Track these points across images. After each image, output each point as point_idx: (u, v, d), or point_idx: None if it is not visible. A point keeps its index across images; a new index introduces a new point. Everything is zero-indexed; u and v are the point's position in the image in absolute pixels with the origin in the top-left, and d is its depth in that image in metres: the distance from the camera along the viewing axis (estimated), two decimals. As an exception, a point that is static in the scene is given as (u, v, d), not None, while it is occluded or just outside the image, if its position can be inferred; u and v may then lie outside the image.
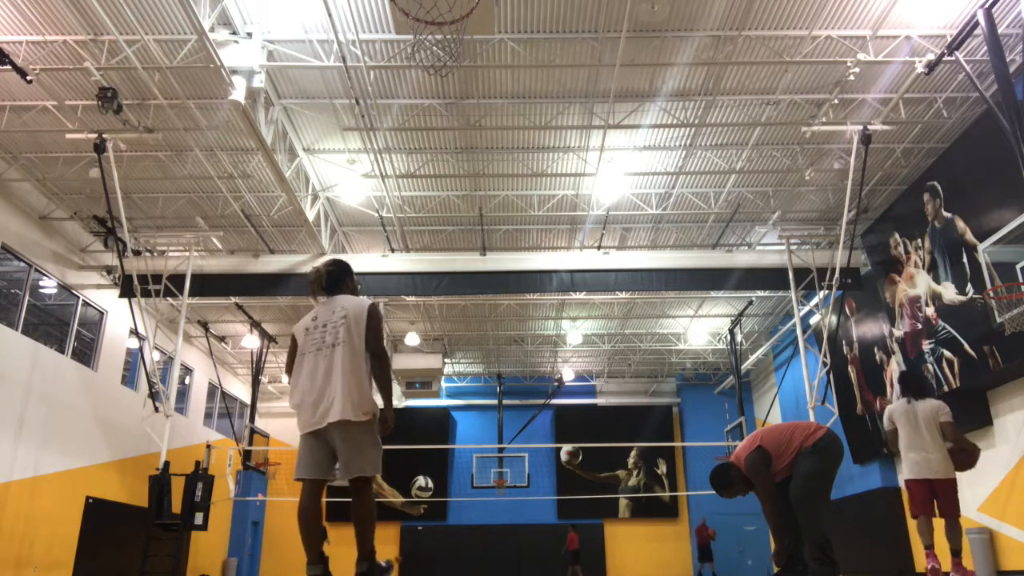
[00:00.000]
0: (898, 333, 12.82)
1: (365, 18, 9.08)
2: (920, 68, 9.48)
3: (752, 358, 20.05)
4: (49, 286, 13.83)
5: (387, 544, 21.06)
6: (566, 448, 18.32)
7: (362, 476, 3.94)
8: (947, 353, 11.23)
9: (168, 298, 13.37)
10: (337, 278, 4.35)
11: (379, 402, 4.09)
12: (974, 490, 11.09)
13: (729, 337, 19.04)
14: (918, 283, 12.04)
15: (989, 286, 8.95)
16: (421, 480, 16.14)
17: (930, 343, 11.71)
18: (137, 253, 13.28)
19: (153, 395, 12.45)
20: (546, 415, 22.83)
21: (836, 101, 10.70)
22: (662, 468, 22.22)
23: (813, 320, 15.64)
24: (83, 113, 10.59)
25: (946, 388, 11.26)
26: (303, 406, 4.03)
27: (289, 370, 4.29)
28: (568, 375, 22.13)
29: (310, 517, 3.97)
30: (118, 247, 12.65)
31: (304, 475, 3.99)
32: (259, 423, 20.30)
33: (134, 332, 13.97)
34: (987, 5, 8.08)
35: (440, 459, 21.44)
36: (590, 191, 12.97)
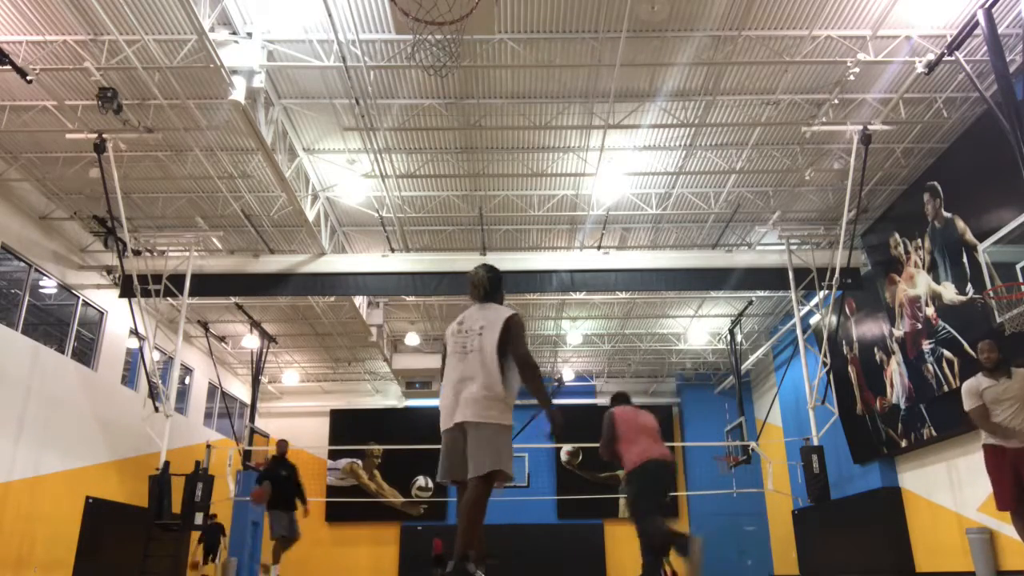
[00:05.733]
0: (898, 333, 12.82)
1: (365, 18, 9.08)
2: (920, 68, 9.47)
3: (752, 358, 20.03)
4: (49, 286, 13.82)
5: (387, 545, 21.05)
6: (566, 448, 18.20)
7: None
8: (947, 353, 11.22)
9: (168, 298, 13.37)
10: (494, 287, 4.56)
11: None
12: (974, 489, 11.10)
13: (729, 337, 19.03)
14: (918, 283, 12.04)
15: (989, 286, 8.93)
16: (421, 480, 16.07)
17: (930, 343, 11.71)
18: (137, 253, 13.27)
19: (153, 395, 12.46)
20: (546, 415, 22.79)
21: (836, 101, 10.70)
22: (662, 468, 22.17)
23: (813, 320, 15.63)
24: (83, 113, 10.59)
25: (946, 388, 11.26)
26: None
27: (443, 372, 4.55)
28: (568, 375, 22.10)
29: None
30: (118, 247, 12.66)
31: None
32: (259, 423, 20.29)
33: (134, 332, 13.96)
34: (987, 5, 8.08)
35: (440, 459, 21.39)
36: (590, 191, 12.97)
